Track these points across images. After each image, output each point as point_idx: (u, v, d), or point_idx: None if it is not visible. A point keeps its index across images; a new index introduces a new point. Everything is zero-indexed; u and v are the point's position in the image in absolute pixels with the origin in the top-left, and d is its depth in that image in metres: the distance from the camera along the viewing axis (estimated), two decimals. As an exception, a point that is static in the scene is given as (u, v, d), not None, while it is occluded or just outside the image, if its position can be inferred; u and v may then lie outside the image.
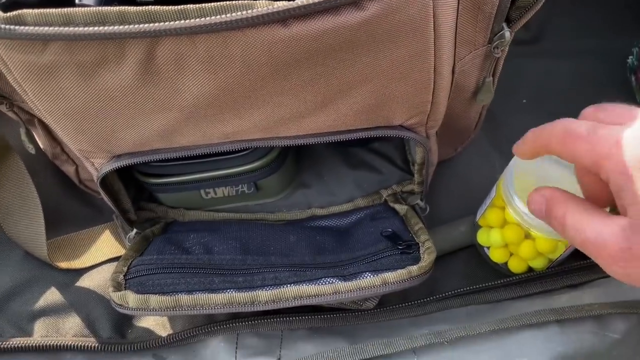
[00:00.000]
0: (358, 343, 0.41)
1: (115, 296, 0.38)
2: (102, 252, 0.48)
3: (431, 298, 0.44)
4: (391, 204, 0.48)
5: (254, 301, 0.37)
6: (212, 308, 0.37)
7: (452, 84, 0.38)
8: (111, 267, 0.47)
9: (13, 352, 0.42)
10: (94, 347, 0.42)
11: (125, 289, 0.39)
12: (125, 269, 0.41)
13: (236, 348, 0.43)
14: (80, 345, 0.42)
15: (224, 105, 0.33)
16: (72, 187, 0.51)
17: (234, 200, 0.49)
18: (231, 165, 0.45)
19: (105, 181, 0.41)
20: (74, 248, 0.48)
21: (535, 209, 0.31)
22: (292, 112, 0.34)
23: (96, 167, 0.40)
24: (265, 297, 0.37)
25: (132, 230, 0.47)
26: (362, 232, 0.45)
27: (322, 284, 0.38)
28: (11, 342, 0.41)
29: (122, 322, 0.44)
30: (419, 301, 0.44)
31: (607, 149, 0.26)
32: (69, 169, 0.49)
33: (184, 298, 0.37)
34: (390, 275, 0.37)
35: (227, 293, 0.38)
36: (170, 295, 0.37)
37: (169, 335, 0.43)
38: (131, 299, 0.38)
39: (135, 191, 0.48)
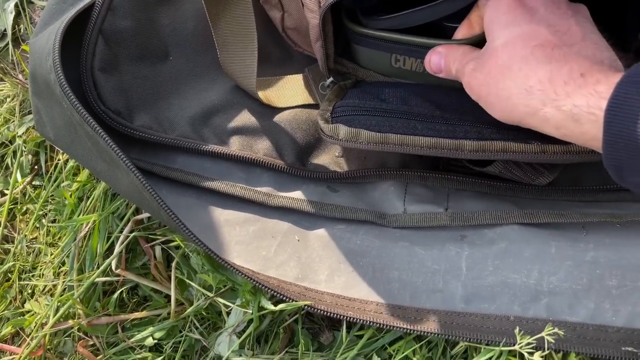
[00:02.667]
0: (527, 209, 0.42)
1: (327, 128, 0.41)
2: (295, 97, 0.52)
3: (606, 187, 0.44)
4: None
5: (458, 148, 0.38)
6: (417, 149, 0.39)
7: None
8: (301, 110, 0.51)
9: (215, 157, 0.48)
10: (280, 167, 0.48)
11: (334, 122, 0.42)
12: (330, 108, 0.44)
13: (405, 194, 0.47)
14: (269, 163, 0.48)
15: None
16: (272, 34, 0.55)
17: (418, 77, 0.46)
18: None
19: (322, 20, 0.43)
20: (271, 89, 0.52)
21: (434, 64, 0.40)
22: None
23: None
24: (470, 146, 0.38)
25: (328, 78, 0.50)
26: None
27: (529, 142, 0.37)
28: (214, 148, 0.48)
29: (303, 154, 0.49)
30: (592, 187, 0.44)
31: None
32: (276, 15, 0.52)
33: (392, 136, 0.39)
34: None
35: (432, 138, 0.39)
36: (379, 132, 0.40)
37: (344, 171, 0.48)
38: (342, 131, 0.41)
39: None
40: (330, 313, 0.41)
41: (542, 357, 0.36)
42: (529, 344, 0.37)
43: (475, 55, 0.36)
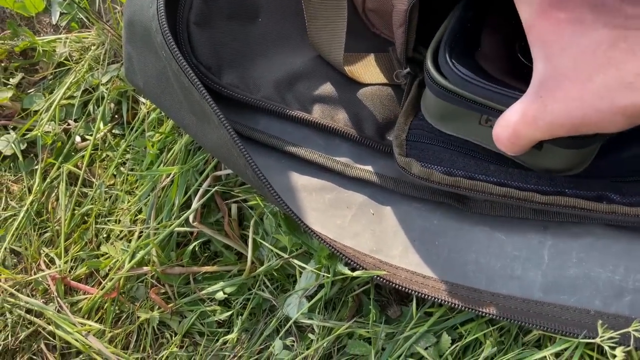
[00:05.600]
0: None
1: (401, 160, 0.42)
2: (379, 75, 0.51)
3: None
4: None
5: (527, 199, 0.39)
6: (487, 195, 0.40)
7: None
8: (380, 88, 0.49)
9: (296, 123, 0.48)
10: (360, 139, 0.47)
11: (407, 156, 0.42)
12: (406, 127, 0.44)
13: None
14: (349, 134, 0.47)
15: None
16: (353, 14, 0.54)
17: None
18: None
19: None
20: (357, 65, 0.52)
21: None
22: None
23: None
24: (540, 199, 0.39)
25: (404, 69, 0.48)
26: None
27: (599, 200, 0.38)
28: (297, 113, 0.48)
29: (383, 129, 0.49)
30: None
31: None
32: None
33: (464, 181, 0.40)
34: None
35: (504, 187, 0.40)
36: (452, 177, 0.40)
37: None
38: (415, 168, 0.41)
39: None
40: (405, 288, 0.41)
41: (624, 352, 0.36)
42: (611, 338, 0.36)
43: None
